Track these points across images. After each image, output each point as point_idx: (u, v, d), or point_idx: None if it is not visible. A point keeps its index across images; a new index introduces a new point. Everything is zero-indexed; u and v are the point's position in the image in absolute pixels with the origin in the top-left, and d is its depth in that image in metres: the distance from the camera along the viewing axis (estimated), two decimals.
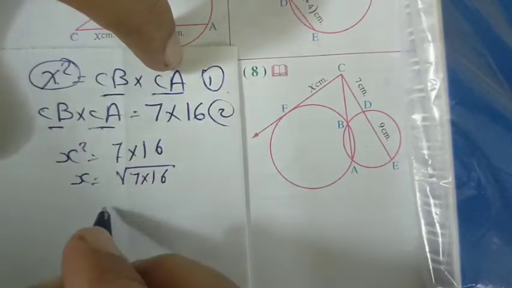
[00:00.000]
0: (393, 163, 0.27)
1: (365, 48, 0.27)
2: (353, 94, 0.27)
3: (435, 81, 0.25)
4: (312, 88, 0.27)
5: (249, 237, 0.27)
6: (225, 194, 0.27)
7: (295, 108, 0.27)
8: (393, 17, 0.27)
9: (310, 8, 0.27)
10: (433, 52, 0.25)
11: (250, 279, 0.26)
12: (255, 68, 0.27)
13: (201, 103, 0.27)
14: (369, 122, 0.27)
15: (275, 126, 0.27)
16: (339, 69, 0.27)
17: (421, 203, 0.26)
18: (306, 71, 0.27)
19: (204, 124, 0.27)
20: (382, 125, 0.27)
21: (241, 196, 0.27)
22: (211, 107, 0.27)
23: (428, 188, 0.26)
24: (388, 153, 0.27)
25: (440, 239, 0.25)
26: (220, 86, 0.27)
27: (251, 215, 0.27)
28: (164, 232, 0.27)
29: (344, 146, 0.27)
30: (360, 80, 0.27)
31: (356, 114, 0.27)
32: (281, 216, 0.27)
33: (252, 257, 0.27)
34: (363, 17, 0.27)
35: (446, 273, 0.25)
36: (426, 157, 0.26)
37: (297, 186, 0.27)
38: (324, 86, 0.27)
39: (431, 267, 0.26)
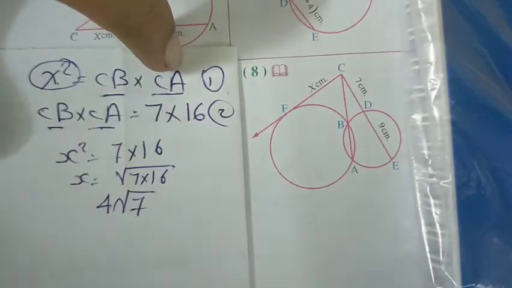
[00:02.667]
0: (393, 163, 0.27)
1: (365, 48, 0.27)
2: (353, 94, 0.27)
3: (436, 81, 0.25)
4: (312, 88, 0.27)
5: (248, 237, 0.27)
6: (225, 194, 0.27)
7: (295, 108, 0.27)
8: (393, 17, 0.27)
9: (310, 8, 0.27)
10: (433, 52, 0.25)
11: (249, 279, 0.27)
12: (255, 68, 0.27)
13: (201, 103, 0.27)
14: (369, 122, 0.27)
15: (275, 126, 0.27)
16: (339, 69, 0.27)
17: (421, 203, 0.26)
18: (306, 71, 0.27)
19: (204, 124, 0.27)
20: (382, 125, 0.27)
21: (241, 196, 0.27)
22: (211, 107, 0.27)
23: (428, 188, 0.26)
24: (388, 153, 0.27)
25: (440, 239, 0.25)
26: (220, 87, 0.27)
27: (251, 215, 0.27)
28: (164, 232, 0.27)
29: (344, 146, 0.27)
30: (360, 80, 0.27)
31: (356, 114, 0.27)
32: (281, 216, 0.27)
33: (252, 257, 0.27)
34: (363, 17, 0.27)
35: (446, 273, 0.25)
36: (426, 157, 0.26)
37: (297, 186, 0.27)
38: (324, 86, 0.27)
39: (431, 267, 0.25)
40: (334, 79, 0.27)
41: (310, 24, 0.27)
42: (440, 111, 0.25)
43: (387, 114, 0.27)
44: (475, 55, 0.25)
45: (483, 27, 0.25)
